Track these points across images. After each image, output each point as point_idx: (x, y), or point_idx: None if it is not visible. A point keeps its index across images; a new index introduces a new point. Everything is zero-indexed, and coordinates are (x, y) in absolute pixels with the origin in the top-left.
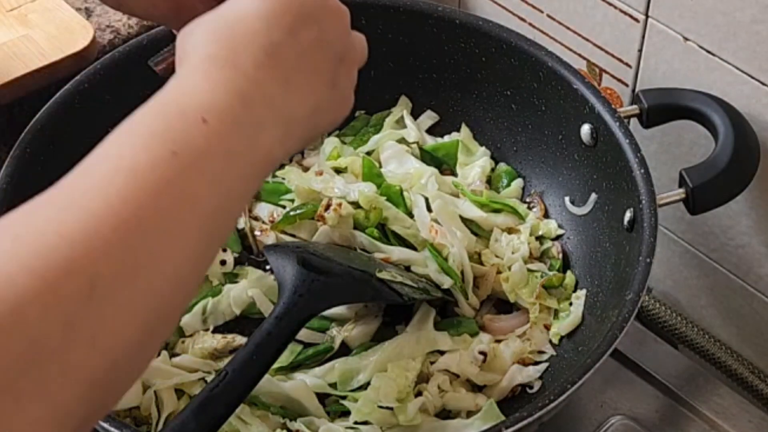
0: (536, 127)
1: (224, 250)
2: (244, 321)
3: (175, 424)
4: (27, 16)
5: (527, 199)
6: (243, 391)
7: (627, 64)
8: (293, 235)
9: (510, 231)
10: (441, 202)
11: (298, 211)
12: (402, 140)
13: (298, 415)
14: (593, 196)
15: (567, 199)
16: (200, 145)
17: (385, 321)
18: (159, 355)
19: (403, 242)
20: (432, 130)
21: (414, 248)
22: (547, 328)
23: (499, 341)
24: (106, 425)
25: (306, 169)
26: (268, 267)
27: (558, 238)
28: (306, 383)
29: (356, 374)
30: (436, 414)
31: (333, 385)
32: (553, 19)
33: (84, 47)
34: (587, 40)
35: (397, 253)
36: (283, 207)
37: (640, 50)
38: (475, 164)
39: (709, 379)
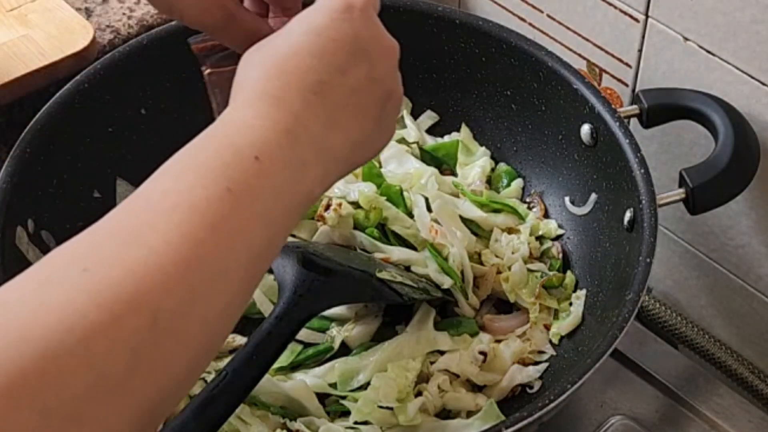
0: (536, 127)
1: None
2: (244, 321)
3: (175, 424)
4: (27, 16)
5: (527, 199)
6: (243, 391)
7: (627, 64)
8: (293, 235)
9: (510, 231)
10: (441, 202)
11: None
12: (402, 140)
13: (298, 415)
14: (593, 196)
15: (567, 199)
16: (252, 182)
17: (385, 321)
18: None
19: (403, 242)
20: (432, 130)
21: (414, 248)
22: (547, 328)
23: (499, 341)
24: None
25: None
26: None
27: (558, 238)
28: (306, 383)
29: (356, 374)
30: (436, 414)
31: (333, 385)
32: (553, 19)
33: (84, 47)
34: (587, 40)
35: (397, 253)
36: None
37: (640, 50)
38: (475, 164)
39: (709, 379)
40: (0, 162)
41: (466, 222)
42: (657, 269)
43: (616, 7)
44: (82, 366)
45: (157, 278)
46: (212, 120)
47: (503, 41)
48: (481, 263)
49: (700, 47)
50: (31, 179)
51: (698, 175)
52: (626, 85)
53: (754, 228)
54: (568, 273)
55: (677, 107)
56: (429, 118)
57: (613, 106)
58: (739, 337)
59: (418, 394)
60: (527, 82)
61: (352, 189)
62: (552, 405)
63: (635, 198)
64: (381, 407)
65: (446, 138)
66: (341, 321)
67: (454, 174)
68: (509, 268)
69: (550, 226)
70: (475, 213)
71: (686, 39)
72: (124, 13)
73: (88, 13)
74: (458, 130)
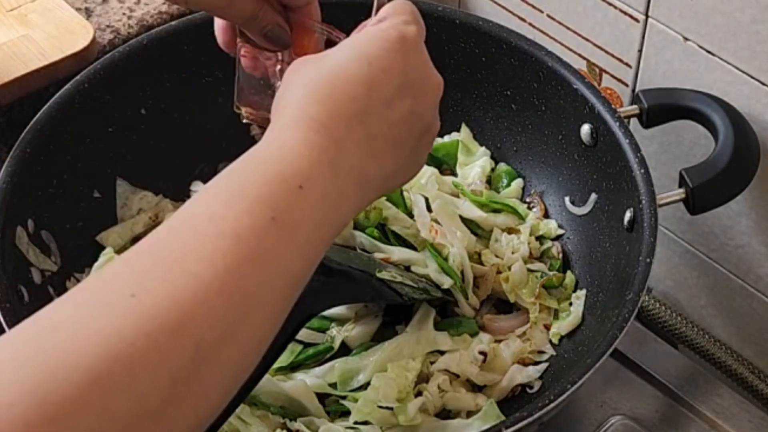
0: (536, 127)
1: None
2: None
3: None
4: (27, 16)
5: (527, 199)
6: (243, 391)
7: (627, 64)
8: None
9: (510, 231)
10: (441, 202)
11: None
12: None
13: (298, 415)
14: (593, 196)
15: (567, 199)
16: (296, 213)
17: (385, 321)
18: None
19: (403, 242)
20: None
21: (414, 248)
22: (547, 328)
23: (499, 341)
24: None
25: None
26: None
27: (558, 238)
28: (306, 383)
29: (356, 374)
30: (436, 414)
31: (333, 385)
32: (553, 19)
33: (84, 47)
34: (587, 40)
35: (397, 253)
36: None
37: (640, 50)
38: (475, 164)
39: (709, 379)
40: (0, 162)
41: (466, 222)
42: (657, 269)
43: (616, 7)
44: (126, 394)
45: (202, 308)
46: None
47: (503, 41)
48: (481, 263)
49: (700, 47)
50: (31, 179)
51: (698, 175)
52: (626, 85)
53: (754, 228)
54: (568, 273)
55: (677, 107)
56: None
57: (613, 106)
58: (739, 337)
59: (418, 394)
60: (527, 82)
61: None
62: (552, 405)
63: (635, 198)
64: (381, 407)
65: (446, 138)
66: (341, 321)
67: (454, 174)
68: (509, 268)
69: (550, 226)
70: (475, 213)
71: (686, 39)
72: (124, 13)
73: (88, 13)
74: (458, 130)
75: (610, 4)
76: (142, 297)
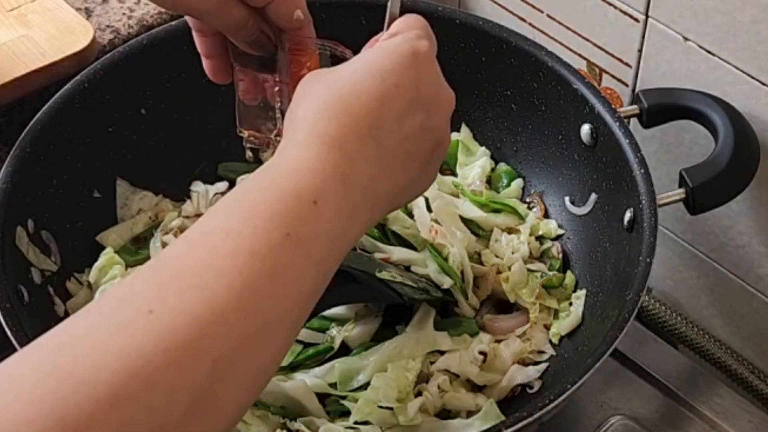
0: (536, 127)
1: None
2: None
3: None
4: (27, 16)
5: (527, 199)
6: None
7: (627, 64)
8: None
9: (510, 231)
10: (441, 202)
11: None
12: None
13: (298, 415)
14: (593, 196)
15: (567, 199)
16: (310, 228)
17: (385, 321)
18: None
19: (403, 242)
20: None
21: (414, 248)
22: (547, 328)
23: (499, 341)
24: None
25: None
26: None
27: (558, 238)
28: (306, 383)
29: (356, 374)
30: (436, 414)
31: (333, 385)
32: (553, 19)
33: (84, 47)
34: (587, 40)
35: (397, 253)
36: None
37: (640, 50)
38: (475, 164)
39: (709, 379)
40: (0, 162)
41: (466, 222)
42: (657, 269)
43: (616, 7)
44: (144, 411)
45: (219, 325)
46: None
47: (503, 41)
48: (481, 263)
49: (700, 47)
50: (31, 179)
51: (698, 175)
52: (626, 85)
53: (754, 228)
54: (568, 273)
55: (677, 107)
56: None
57: (613, 106)
58: (739, 337)
59: (418, 394)
60: (527, 82)
61: None
62: (552, 405)
63: (635, 198)
64: (381, 407)
65: None
66: (341, 321)
67: (454, 174)
68: (509, 268)
69: (550, 226)
70: (475, 213)
71: (686, 39)
72: (124, 13)
73: (88, 13)
74: (458, 130)
75: (610, 4)
76: (159, 313)
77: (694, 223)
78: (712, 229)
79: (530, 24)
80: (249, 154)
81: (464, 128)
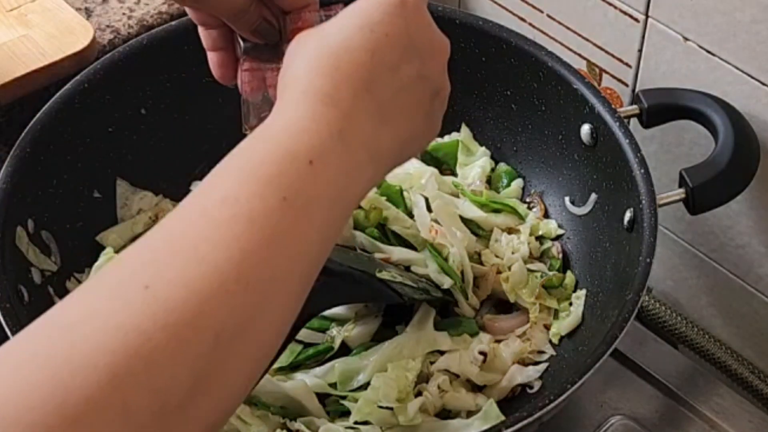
0: (536, 127)
1: None
2: None
3: None
4: (27, 16)
5: (527, 199)
6: None
7: (627, 64)
8: None
9: (510, 231)
10: (441, 202)
11: None
12: None
13: (298, 415)
14: (593, 196)
15: (567, 199)
16: (308, 190)
17: (385, 321)
18: None
19: (403, 242)
20: None
21: (414, 248)
22: (547, 328)
23: (499, 341)
24: None
25: None
26: None
27: (558, 238)
28: (306, 383)
29: (356, 374)
30: (436, 414)
31: (333, 385)
32: (553, 19)
33: (84, 47)
34: (587, 40)
35: (397, 253)
36: None
37: (640, 50)
38: (475, 164)
39: (709, 379)
40: (0, 162)
41: (466, 222)
42: (657, 269)
43: (616, 7)
44: (146, 391)
45: (219, 297)
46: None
47: (503, 41)
48: (481, 263)
49: (700, 47)
50: (31, 179)
51: (698, 175)
52: (626, 85)
53: (754, 228)
54: (568, 273)
55: (677, 107)
56: None
57: (613, 106)
58: (739, 337)
59: (418, 394)
60: (527, 82)
61: None
62: (552, 405)
63: (635, 198)
64: (381, 407)
65: (446, 138)
66: (341, 321)
67: (454, 174)
68: (509, 268)
69: (550, 226)
70: (475, 213)
71: (686, 39)
72: (124, 13)
73: (88, 13)
74: (458, 130)
75: (610, 4)
76: (157, 289)
77: (694, 223)
78: (712, 229)
79: (530, 24)
80: None
81: (464, 128)
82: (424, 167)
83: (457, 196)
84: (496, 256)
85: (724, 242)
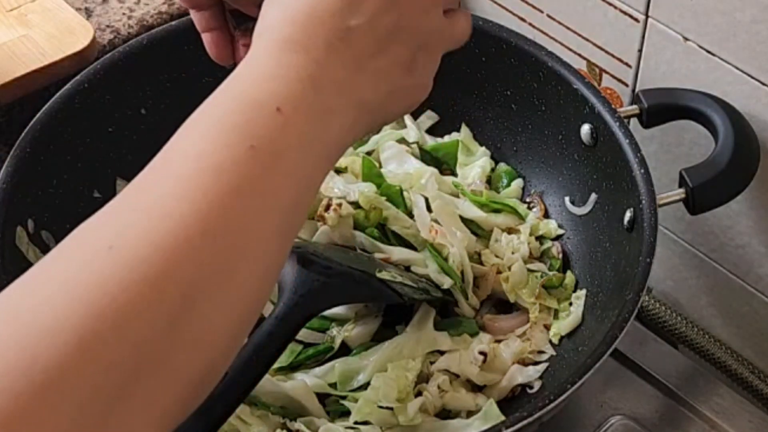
0: (536, 127)
1: None
2: None
3: None
4: (27, 16)
5: (527, 199)
6: (243, 391)
7: (627, 64)
8: None
9: (510, 231)
10: (441, 202)
11: None
12: (402, 140)
13: (298, 415)
14: (593, 196)
15: (567, 199)
16: (276, 137)
17: (385, 321)
18: None
19: (403, 242)
20: (432, 130)
21: (414, 248)
22: (547, 328)
23: (499, 341)
24: None
25: None
26: None
27: (558, 238)
28: (306, 383)
29: (356, 374)
30: (436, 414)
31: (333, 385)
32: (553, 19)
33: (84, 47)
34: (587, 40)
35: (397, 253)
36: None
37: (640, 50)
38: (475, 164)
39: (709, 379)
40: (0, 162)
41: (466, 222)
42: (657, 269)
43: (616, 7)
44: (117, 352)
45: (186, 251)
46: None
47: (503, 41)
48: (481, 263)
49: (700, 47)
50: (31, 179)
51: (698, 175)
52: (626, 85)
53: (754, 228)
54: (568, 273)
55: (677, 107)
56: (429, 118)
57: (613, 106)
58: (739, 337)
59: (418, 394)
60: (527, 82)
61: (352, 189)
62: (552, 405)
63: (635, 198)
64: (381, 407)
65: (446, 138)
66: (341, 321)
67: (454, 174)
68: (509, 268)
69: (550, 226)
70: (475, 213)
71: (686, 39)
72: (124, 13)
73: (88, 13)
74: (458, 130)
75: (610, 4)
76: (120, 248)
77: (694, 223)
78: (712, 229)
79: (530, 24)
80: None
81: (464, 128)
82: (424, 167)
83: (457, 196)
84: (496, 256)
85: (724, 242)
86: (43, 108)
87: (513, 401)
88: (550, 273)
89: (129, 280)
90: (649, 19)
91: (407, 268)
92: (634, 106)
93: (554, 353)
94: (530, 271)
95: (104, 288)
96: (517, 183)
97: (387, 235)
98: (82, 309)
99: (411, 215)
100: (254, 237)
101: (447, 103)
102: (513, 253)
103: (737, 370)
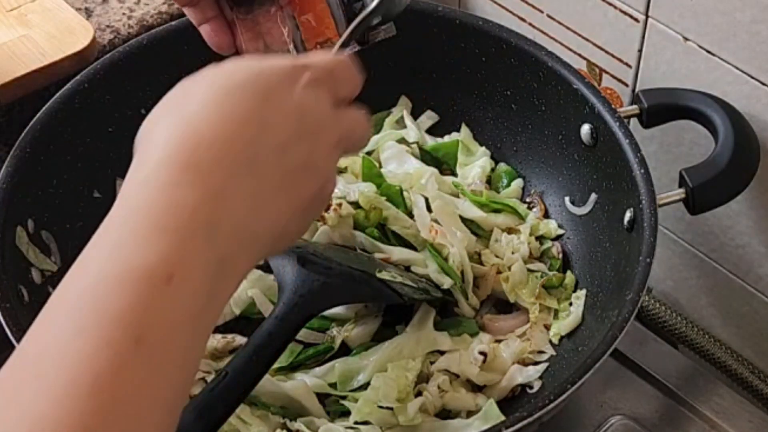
0: (536, 127)
1: None
2: (244, 321)
3: None
4: (27, 16)
5: (527, 199)
6: (243, 391)
7: (627, 64)
8: None
9: (510, 231)
10: (441, 202)
11: None
12: (402, 140)
13: (298, 415)
14: (593, 196)
15: (567, 199)
16: (166, 320)
17: (385, 321)
18: None
19: (403, 242)
20: (432, 130)
21: (414, 248)
22: (547, 328)
23: (499, 341)
24: None
25: None
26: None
27: (558, 238)
28: (306, 383)
29: (356, 374)
30: (436, 414)
31: (333, 385)
32: (553, 19)
33: (84, 47)
34: (587, 40)
35: (397, 253)
36: None
37: (640, 50)
38: (475, 164)
39: (709, 379)
40: (0, 162)
41: (466, 222)
42: (657, 269)
43: (616, 7)
44: None
45: None
46: None
47: (503, 41)
48: (481, 263)
49: (700, 47)
50: (31, 179)
51: (698, 175)
52: (626, 85)
53: (754, 228)
54: (568, 273)
55: (677, 107)
56: (429, 118)
57: (613, 106)
58: (739, 337)
59: (418, 394)
60: (527, 82)
61: (352, 189)
62: (552, 405)
63: (635, 198)
64: (381, 407)
65: (446, 138)
66: (341, 321)
67: (454, 174)
68: (509, 268)
69: (550, 226)
70: (475, 213)
71: (686, 39)
72: (124, 13)
73: (88, 13)
74: (458, 130)
75: (610, 4)
76: None
77: (694, 223)
78: (712, 229)
79: (530, 24)
80: None
81: (464, 128)
82: (424, 167)
83: (457, 196)
84: (496, 256)
85: (724, 242)
86: (43, 108)
87: (513, 401)
88: (550, 273)
89: None
90: (649, 19)
91: (407, 268)
92: (634, 106)
93: (554, 353)
94: (530, 271)
95: None
96: (517, 183)
97: (387, 235)
98: None
99: (411, 215)
100: (138, 421)
101: (447, 103)
102: (513, 253)
103: (737, 370)
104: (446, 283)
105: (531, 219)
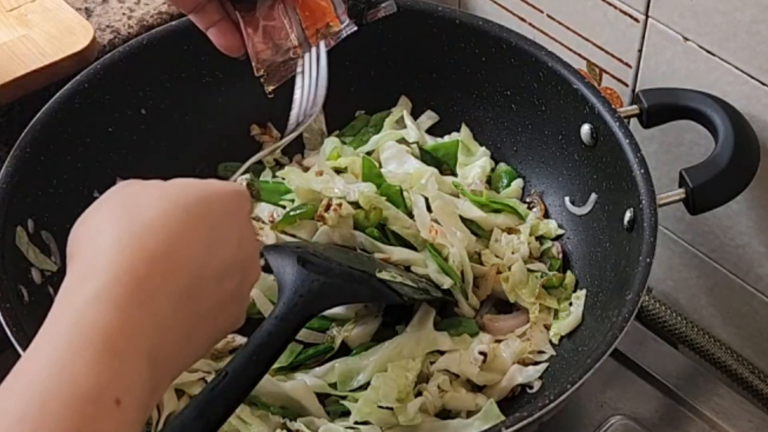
0: (536, 127)
1: None
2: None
3: (176, 424)
4: (27, 16)
5: (527, 199)
6: (243, 391)
7: (627, 64)
8: (293, 235)
9: (510, 231)
10: (441, 202)
11: (298, 211)
12: (402, 140)
13: (298, 415)
14: (593, 196)
15: (567, 199)
16: None
17: (385, 321)
18: None
19: (403, 242)
20: (432, 130)
21: (414, 248)
22: (547, 328)
23: (499, 341)
24: None
25: (306, 169)
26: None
27: (558, 238)
28: (306, 383)
29: (356, 374)
30: (436, 414)
31: (333, 385)
32: (553, 19)
33: (84, 47)
34: (587, 40)
35: (397, 253)
36: (283, 207)
37: (640, 50)
38: (475, 164)
39: (709, 379)
40: (0, 162)
41: (466, 222)
42: (657, 269)
43: (616, 7)
44: None
45: None
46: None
47: (503, 41)
48: (481, 263)
49: (700, 47)
50: (31, 179)
51: (698, 175)
52: (626, 85)
53: (754, 228)
54: (568, 273)
55: (677, 107)
56: (429, 118)
57: (613, 106)
58: (739, 337)
59: (418, 394)
60: (527, 82)
61: (352, 189)
62: (552, 405)
63: (635, 198)
64: (381, 407)
65: (446, 138)
66: (341, 321)
67: (454, 174)
68: (509, 268)
69: (550, 226)
70: (475, 213)
71: (686, 39)
72: (124, 13)
73: (88, 13)
74: (458, 130)
75: (610, 4)
76: None
77: (694, 223)
78: (712, 229)
79: (530, 24)
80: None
81: (464, 128)
82: (424, 167)
83: (457, 196)
84: (496, 256)
85: (724, 242)
86: (43, 108)
87: (513, 401)
88: (550, 273)
89: None
90: (649, 19)
91: (407, 268)
92: (634, 106)
93: (554, 353)
94: (530, 271)
95: None
96: (517, 183)
97: (387, 235)
98: None
99: (411, 215)
100: None
101: (447, 103)
102: (513, 253)
103: (737, 370)
104: (446, 283)
105: (531, 219)
